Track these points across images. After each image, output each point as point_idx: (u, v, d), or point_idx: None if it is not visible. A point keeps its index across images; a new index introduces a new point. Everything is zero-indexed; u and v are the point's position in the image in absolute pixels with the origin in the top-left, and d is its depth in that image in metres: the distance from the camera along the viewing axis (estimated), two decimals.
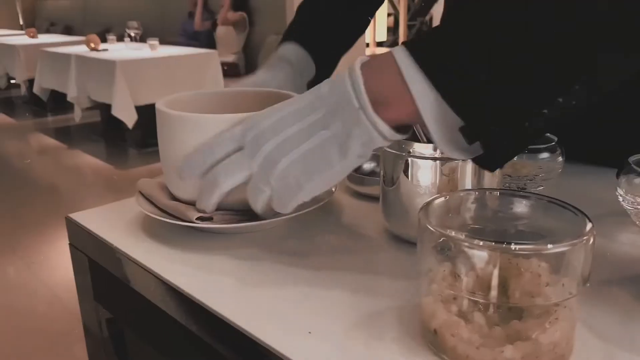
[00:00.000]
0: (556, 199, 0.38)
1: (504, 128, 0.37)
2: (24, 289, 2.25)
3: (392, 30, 6.88)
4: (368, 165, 0.68)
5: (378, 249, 0.52)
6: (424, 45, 0.39)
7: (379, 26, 6.47)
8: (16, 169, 4.01)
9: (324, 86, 0.43)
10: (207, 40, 4.89)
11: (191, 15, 5.07)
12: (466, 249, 0.34)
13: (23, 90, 5.47)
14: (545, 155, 0.61)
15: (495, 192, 0.42)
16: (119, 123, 3.92)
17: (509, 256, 0.34)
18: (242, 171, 0.45)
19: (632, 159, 0.53)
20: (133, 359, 0.61)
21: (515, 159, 0.61)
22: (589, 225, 0.34)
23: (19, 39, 5.89)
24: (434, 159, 0.49)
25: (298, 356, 0.36)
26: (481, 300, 0.34)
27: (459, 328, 0.34)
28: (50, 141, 4.72)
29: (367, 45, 5.85)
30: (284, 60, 0.75)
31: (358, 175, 0.64)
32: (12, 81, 5.90)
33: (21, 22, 8.69)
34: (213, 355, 0.44)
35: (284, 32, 0.80)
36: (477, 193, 0.42)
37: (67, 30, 7.45)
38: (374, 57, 0.42)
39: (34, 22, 8.27)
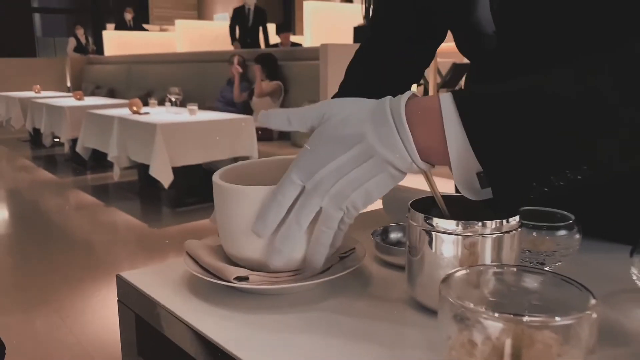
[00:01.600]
0: (566, 277, 0.42)
1: (514, 184, 0.43)
2: (57, 342, 2.29)
3: None
4: (395, 236, 0.73)
5: (403, 315, 0.56)
6: (468, 95, 0.45)
7: None
8: (55, 224, 4.16)
9: (371, 134, 0.48)
10: (243, 106, 5.11)
11: (230, 82, 5.32)
12: (482, 320, 0.38)
13: (66, 148, 5.73)
14: (563, 232, 0.64)
15: (512, 268, 0.46)
16: (155, 182, 4.07)
17: (521, 327, 0.38)
18: (313, 208, 0.51)
19: None
20: None
21: (534, 234, 0.65)
22: (592, 301, 0.38)
23: (66, 100, 6.25)
24: (456, 234, 0.53)
25: None
26: None
27: None
28: (89, 198, 4.89)
29: None
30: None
31: (385, 245, 0.68)
32: (56, 139, 6.20)
33: (69, 85, 9.20)
34: None
35: (338, 93, 0.85)
36: (495, 268, 0.46)
37: (111, 93, 7.85)
38: (418, 101, 0.48)
39: (81, 85, 8.75)
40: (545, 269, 0.66)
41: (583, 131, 0.42)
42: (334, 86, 4.08)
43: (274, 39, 7.48)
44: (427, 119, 0.46)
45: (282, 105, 4.95)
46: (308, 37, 6.36)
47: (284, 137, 4.93)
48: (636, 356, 0.47)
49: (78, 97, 6.31)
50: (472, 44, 0.81)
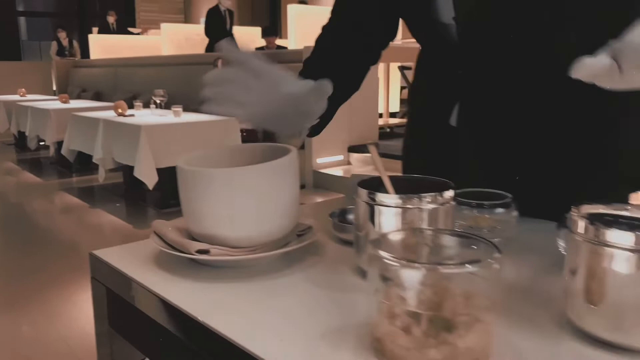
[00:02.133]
0: (479, 236, 0.47)
1: None
2: (43, 342, 2.32)
3: (405, 101, 7.14)
4: (351, 216, 0.78)
5: (352, 283, 0.61)
6: None
7: (392, 97, 6.72)
8: (41, 226, 4.17)
9: None
10: None
11: None
12: (403, 270, 0.43)
13: (51, 151, 5.73)
14: (501, 210, 0.70)
15: (432, 231, 0.51)
16: (140, 184, 4.10)
17: (436, 276, 0.43)
18: None
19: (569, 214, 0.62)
20: None
21: (476, 212, 0.71)
22: (497, 254, 0.43)
23: (52, 103, 6.24)
24: (396, 207, 0.59)
25: (270, 357, 0.46)
26: (413, 311, 0.43)
27: (395, 336, 0.43)
28: (74, 200, 4.90)
29: (381, 115, 6.06)
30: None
31: (340, 223, 0.74)
32: (42, 143, 6.20)
33: (54, 88, 9.18)
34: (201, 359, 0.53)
35: (302, 69, 0.87)
36: (418, 231, 0.52)
37: (97, 97, 7.84)
38: None
39: (67, 89, 8.74)
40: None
41: None
42: None
43: (260, 42, 7.53)
44: None
45: None
46: (292, 40, 6.42)
47: (269, 139, 4.97)
48: (554, 316, 0.53)
49: (63, 100, 6.31)
50: (430, 32, 0.86)
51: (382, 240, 0.48)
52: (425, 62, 0.95)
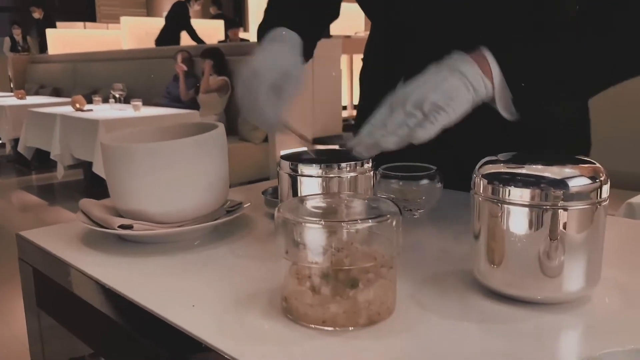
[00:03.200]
0: (384, 198, 0.49)
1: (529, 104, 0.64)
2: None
3: None
4: None
5: (272, 251, 0.62)
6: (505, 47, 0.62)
7: (355, 90, 6.75)
8: None
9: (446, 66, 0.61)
10: (190, 102, 5.08)
11: (176, 78, 5.28)
12: (306, 228, 0.44)
13: (8, 149, 5.58)
14: (426, 181, 0.72)
15: (340, 195, 0.53)
16: (101, 180, 4.02)
17: (338, 232, 0.44)
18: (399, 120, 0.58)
19: None
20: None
21: (401, 184, 0.72)
22: (395, 210, 0.45)
23: (7, 100, 6.06)
24: (318, 176, 0.60)
25: (182, 322, 0.46)
26: (318, 270, 0.44)
27: (299, 293, 0.45)
28: (33, 199, 4.78)
29: (345, 107, 6.09)
30: (278, 39, 0.78)
31: (271, 199, 0.75)
32: None
33: (12, 85, 8.92)
34: (122, 331, 0.53)
35: (263, 23, 0.85)
36: (329, 195, 0.53)
37: (56, 92, 7.65)
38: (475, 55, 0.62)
39: (24, 85, 8.50)
40: (415, 214, 0.74)
41: (569, 76, 0.65)
42: None
43: (222, 35, 7.45)
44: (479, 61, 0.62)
45: (230, 100, 4.96)
46: (254, 33, 6.37)
47: (232, 132, 4.94)
48: (461, 276, 0.55)
49: (20, 96, 6.13)
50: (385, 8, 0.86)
51: (292, 204, 0.49)
52: (373, 44, 0.96)
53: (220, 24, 7.79)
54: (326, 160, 0.62)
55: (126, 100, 4.83)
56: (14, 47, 9.18)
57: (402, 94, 0.60)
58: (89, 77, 7.33)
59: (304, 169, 0.61)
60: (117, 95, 4.72)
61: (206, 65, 4.80)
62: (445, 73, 0.60)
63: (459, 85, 0.60)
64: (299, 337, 0.44)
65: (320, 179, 0.60)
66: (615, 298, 0.50)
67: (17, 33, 9.22)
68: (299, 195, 0.61)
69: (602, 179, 0.47)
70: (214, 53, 4.89)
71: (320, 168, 0.60)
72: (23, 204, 4.69)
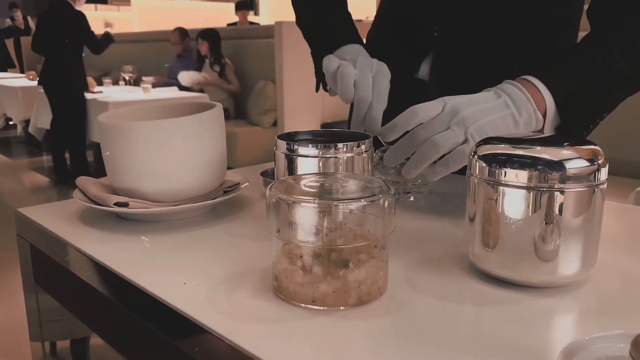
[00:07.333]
0: (379, 179, 0.48)
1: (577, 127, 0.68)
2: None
3: None
4: None
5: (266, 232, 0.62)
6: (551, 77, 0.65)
7: None
8: (10, 207, 4.10)
9: (504, 95, 0.63)
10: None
11: (179, 57, 5.26)
12: (298, 208, 0.44)
13: (19, 130, 5.62)
14: None
15: (332, 175, 0.52)
16: None
17: (330, 211, 0.44)
18: (451, 139, 0.59)
19: None
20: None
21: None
22: (387, 190, 0.44)
23: (19, 81, 6.09)
24: (314, 156, 0.59)
25: (173, 300, 0.46)
26: (310, 250, 0.44)
27: (290, 272, 0.44)
28: (43, 179, 4.82)
29: None
30: (360, 52, 0.80)
31: (270, 180, 0.74)
32: (11, 122, 6.07)
33: (18, 67, 8.92)
34: (115, 308, 0.53)
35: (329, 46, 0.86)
36: (323, 175, 0.52)
37: None
38: (523, 83, 0.64)
39: (35, 67, 8.52)
40: (410, 198, 0.73)
41: (612, 95, 0.69)
42: (288, 63, 4.10)
43: (233, 17, 7.40)
44: (533, 94, 0.64)
45: (233, 88, 4.93)
46: (264, 16, 6.34)
47: (241, 116, 4.93)
48: (461, 256, 0.54)
49: (31, 77, 6.16)
50: None
51: (286, 183, 0.48)
52: (391, 15, 0.94)
53: (231, 6, 7.74)
54: (324, 140, 0.61)
55: (136, 82, 4.83)
56: (10, 31, 8.93)
57: (453, 108, 0.60)
58: (100, 59, 7.32)
59: (300, 149, 0.60)
60: (127, 78, 4.73)
61: (202, 46, 4.75)
62: (499, 104, 0.62)
63: (509, 120, 0.61)
64: (289, 315, 0.43)
65: (316, 159, 0.59)
66: (611, 283, 0.50)
67: (17, 15, 9.03)
68: (295, 172, 0.60)
69: (600, 161, 0.46)
70: (211, 35, 4.85)
71: (317, 148, 0.59)
72: (34, 184, 4.73)
